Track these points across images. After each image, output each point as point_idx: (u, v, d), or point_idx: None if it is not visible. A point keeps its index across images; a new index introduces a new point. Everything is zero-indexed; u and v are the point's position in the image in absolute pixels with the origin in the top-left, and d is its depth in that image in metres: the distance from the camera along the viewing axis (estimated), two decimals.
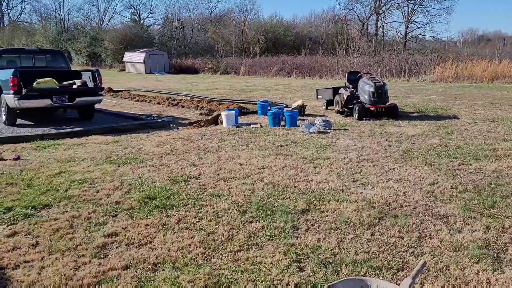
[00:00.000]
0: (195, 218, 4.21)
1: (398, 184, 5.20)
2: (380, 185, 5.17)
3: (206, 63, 37.51)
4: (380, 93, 10.08)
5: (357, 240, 3.67)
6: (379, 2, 43.82)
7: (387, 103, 10.33)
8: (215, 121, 10.45)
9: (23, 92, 9.01)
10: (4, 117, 9.72)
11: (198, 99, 14.66)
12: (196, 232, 3.87)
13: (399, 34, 45.32)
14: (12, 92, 8.98)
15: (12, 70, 9.19)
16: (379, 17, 44.62)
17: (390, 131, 8.68)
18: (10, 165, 6.22)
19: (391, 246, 3.56)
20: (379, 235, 3.77)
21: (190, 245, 3.61)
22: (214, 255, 3.43)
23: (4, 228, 3.94)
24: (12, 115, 9.57)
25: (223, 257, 3.39)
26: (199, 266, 3.25)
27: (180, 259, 3.35)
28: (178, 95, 16.86)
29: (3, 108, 9.70)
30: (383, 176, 5.53)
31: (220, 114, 10.30)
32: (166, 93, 17.59)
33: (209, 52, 42.68)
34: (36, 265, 3.24)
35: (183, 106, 13.55)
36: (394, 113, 10.24)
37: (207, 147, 7.42)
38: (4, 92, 9.39)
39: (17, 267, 3.22)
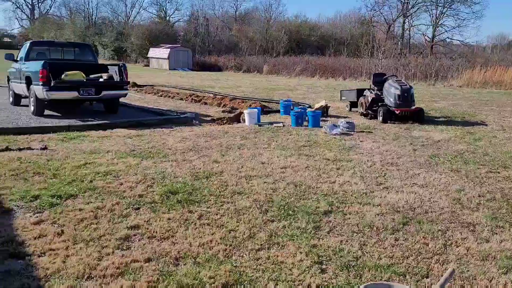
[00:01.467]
0: (216, 214, 4.21)
1: (423, 189, 5.10)
2: (404, 189, 5.08)
3: (229, 61, 37.66)
4: (406, 96, 9.91)
5: (381, 245, 3.61)
6: (407, 4, 43.15)
7: (413, 107, 10.15)
8: (238, 118, 10.48)
9: (52, 84, 9.20)
10: (32, 108, 9.94)
11: (221, 97, 14.71)
12: (217, 229, 3.87)
13: (426, 37, 44.57)
14: (41, 83, 9.17)
15: (42, 62, 9.40)
16: (406, 19, 43.95)
17: (415, 135, 8.52)
18: (38, 155, 6.34)
19: (416, 252, 3.48)
20: (403, 240, 3.70)
21: (211, 241, 3.61)
22: (235, 253, 3.43)
23: (31, 216, 4.03)
24: (40, 106, 9.78)
25: (244, 255, 3.38)
26: (220, 262, 3.25)
27: (202, 255, 3.36)
28: (201, 91, 16.96)
29: (32, 99, 9.92)
30: (408, 181, 5.43)
31: (243, 112, 10.31)
32: (189, 90, 17.71)
33: (233, 50, 42.81)
34: (61, 254, 3.29)
35: (205, 103, 13.62)
36: (419, 117, 10.06)
37: (229, 145, 7.43)
38: (33, 83, 9.61)
39: (43, 255, 3.28)
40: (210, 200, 4.59)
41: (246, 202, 4.54)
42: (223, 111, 11.81)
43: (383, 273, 3.14)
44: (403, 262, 3.32)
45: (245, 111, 10.03)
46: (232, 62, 37.11)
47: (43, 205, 4.30)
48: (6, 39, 75.19)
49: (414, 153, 7.00)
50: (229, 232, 3.80)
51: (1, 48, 63.76)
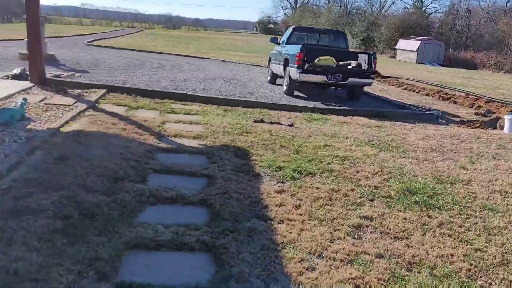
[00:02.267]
0: (460, 227, 3.69)
1: None
2: None
3: (489, 58, 33.13)
4: None
5: None
6: None
7: None
8: (494, 124, 9.10)
9: (305, 67, 9.85)
10: (285, 87, 10.92)
11: (475, 97, 13.04)
12: (460, 243, 3.38)
13: None
14: (296, 66, 9.94)
15: (300, 46, 10.15)
16: None
17: None
18: (285, 130, 6.90)
19: None
20: None
21: (452, 255, 3.18)
22: (481, 277, 2.92)
23: (274, 184, 4.38)
24: (292, 86, 10.64)
25: (493, 283, 2.84)
26: (462, 283, 2.81)
27: (440, 267, 2.98)
28: (450, 89, 15.44)
29: (286, 79, 10.89)
30: None
31: (501, 117, 8.90)
32: (437, 86, 16.36)
33: (495, 46, 37.41)
34: (297, 226, 3.44)
35: (455, 102, 12.32)
36: None
37: (481, 152, 6.47)
38: (289, 65, 10.51)
39: (281, 222, 3.49)
40: (454, 209, 4.06)
41: (500, 222, 3.84)
42: (475, 113, 10.44)
43: None
44: None
45: (506, 116, 8.61)
46: (493, 60, 32.54)
47: (286, 176, 4.62)
48: (270, 26, 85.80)
49: None
50: (475, 251, 3.26)
51: (267, 33, 73.16)
